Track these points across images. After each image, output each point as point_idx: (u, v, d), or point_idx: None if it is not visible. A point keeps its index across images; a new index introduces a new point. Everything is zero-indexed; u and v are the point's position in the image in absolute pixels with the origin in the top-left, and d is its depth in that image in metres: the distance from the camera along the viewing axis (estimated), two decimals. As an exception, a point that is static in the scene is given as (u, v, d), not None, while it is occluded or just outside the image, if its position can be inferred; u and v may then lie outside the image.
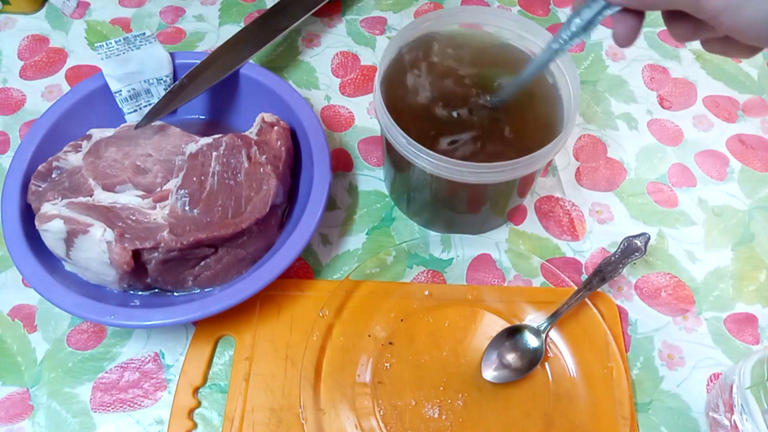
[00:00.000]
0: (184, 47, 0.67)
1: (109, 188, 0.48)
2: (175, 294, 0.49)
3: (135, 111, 0.56)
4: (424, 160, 0.44)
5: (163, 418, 0.46)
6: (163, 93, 0.55)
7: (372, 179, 0.58)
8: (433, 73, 0.50)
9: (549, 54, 0.40)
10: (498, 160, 0.42)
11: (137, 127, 0.52)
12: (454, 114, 0.47)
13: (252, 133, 0.52)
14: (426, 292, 0.51)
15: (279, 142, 0.52)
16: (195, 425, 0.46)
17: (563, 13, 0.70)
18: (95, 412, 0.47)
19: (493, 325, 0.49)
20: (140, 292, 0.49)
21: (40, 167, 0.49)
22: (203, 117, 0.59)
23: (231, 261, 0.48)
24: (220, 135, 0.51)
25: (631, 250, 0.50)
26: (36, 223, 0.46)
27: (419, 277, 0.52)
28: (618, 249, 0.50)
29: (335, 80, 0.64)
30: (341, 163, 0.59)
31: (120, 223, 0.45)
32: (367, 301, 0.50)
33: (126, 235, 0.45)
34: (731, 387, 0.42)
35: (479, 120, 0.47)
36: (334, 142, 0.60)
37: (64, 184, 0.48)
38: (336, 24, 0.69)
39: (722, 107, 0.63)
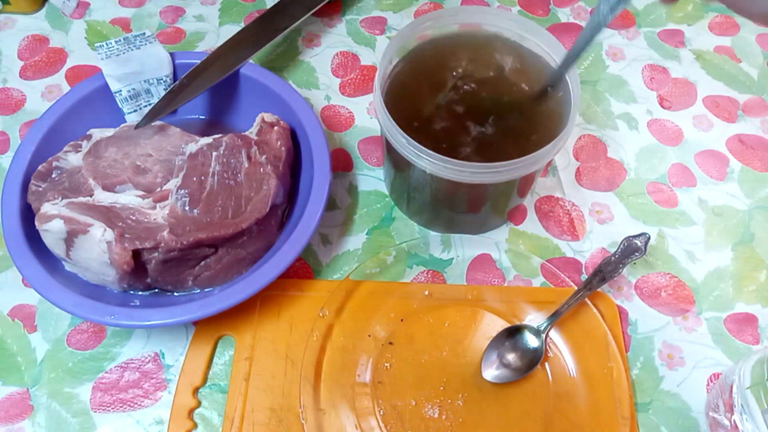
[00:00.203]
0: (184, 47, 0.66)
1: (109, 188, 0.48)
2: (175, 294, 0.49)
3: (135, 111, 0.56)
4: (424, 160, 0.44)
5: (163, 418, 0.46)
6: (163, 93, 0.55)
7: (372, 179, 0.58)
8: (433, 72, 0.50)
9: (592, 29, 0.40)
10: (498, 160, 0.42)
11: (137, 127, 0.52)
12: (454, 113, 0.47)
13: (252, 133, 0.52)
14: (426, 292, 0.51)
15: (279, 142, 0.52)
16: (195, 425, 0.46)
17: (563, 13, 0.70)
18: (95, 412, 0.47)
19: (493, 325, 0.49)
20: (140, 292, 0.49)
21: (40, 167, 0.49)
22: (203, 117, 0.59)
23: (231, 261, 0.48)
24: (220, 135, 0.51)
25: (631, 250, 0.50)
26: (36, 223, 0.46)
27: (419, 277, 0.52)
28: (618, 249, 0.50)
29: (335, 80, 0.64)
30: (341, 163, 0.59)
31: (120, 223, 0.45)
32: (367, 301, 0.50)
33: (126, 235, 0.45)
34: (731, 387, 0.42)
35: (479, 120, 0.47)
36: (334, 142, 0.60)
37: (64, 184, 0.48)
38: (336, 24, 0.69)
39: (722, 107, 0.63)
